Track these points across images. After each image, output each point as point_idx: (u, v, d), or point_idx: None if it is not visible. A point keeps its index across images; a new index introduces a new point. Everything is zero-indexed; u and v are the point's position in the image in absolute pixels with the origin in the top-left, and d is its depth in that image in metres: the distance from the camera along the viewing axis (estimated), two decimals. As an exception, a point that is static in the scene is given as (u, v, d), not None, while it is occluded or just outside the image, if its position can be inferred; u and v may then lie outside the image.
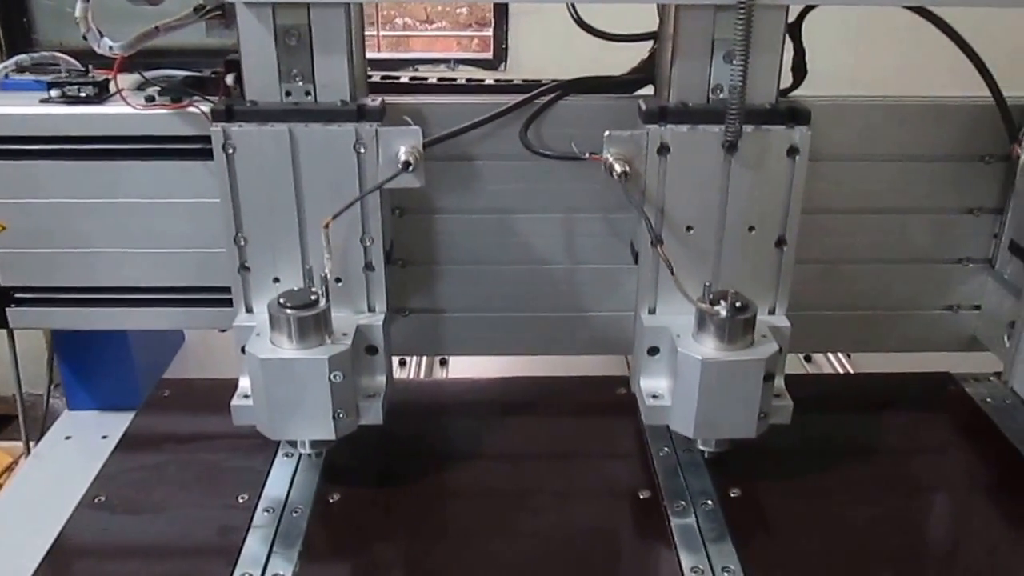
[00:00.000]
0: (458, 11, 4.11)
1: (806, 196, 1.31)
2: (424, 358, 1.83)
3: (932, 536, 1.31)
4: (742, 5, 1.14)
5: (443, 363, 1.84)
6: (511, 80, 1.43)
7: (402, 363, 1.81)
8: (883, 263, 1.50)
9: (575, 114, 1.37)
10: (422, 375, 1.80)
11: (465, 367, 1.80)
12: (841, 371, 1.82)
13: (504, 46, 3.39)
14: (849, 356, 1.85)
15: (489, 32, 3.55)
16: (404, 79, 1.44)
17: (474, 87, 1.45)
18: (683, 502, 1.32)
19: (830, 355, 1.86)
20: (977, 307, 1.53)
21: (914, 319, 1.54)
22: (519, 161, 1.38)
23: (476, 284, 1.48)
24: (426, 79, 1.45)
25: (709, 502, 1.32)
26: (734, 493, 1.34)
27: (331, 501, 1.32)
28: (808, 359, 1.86)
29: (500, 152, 1.39)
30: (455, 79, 1.45)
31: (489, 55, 3.50)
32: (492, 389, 1.66)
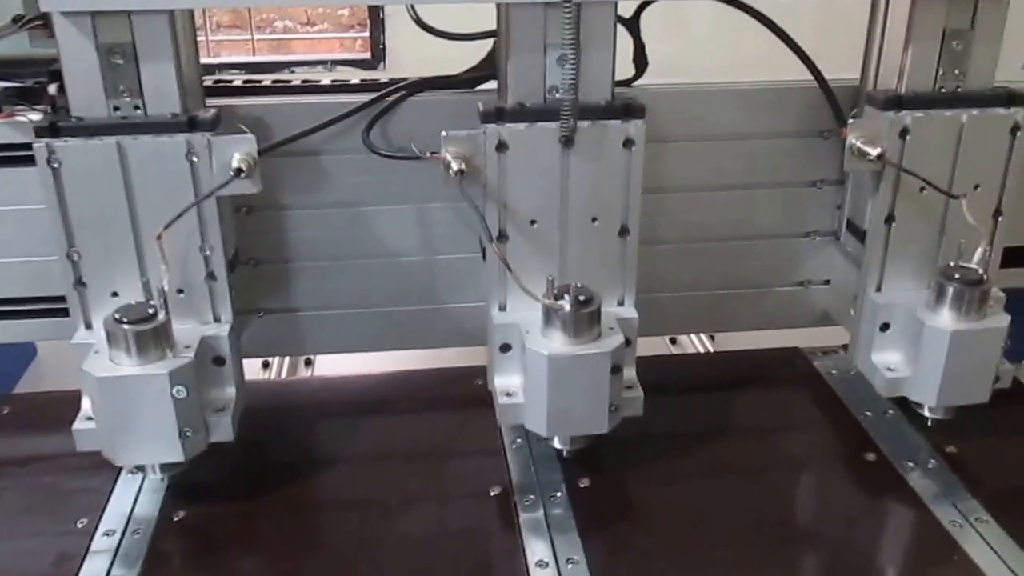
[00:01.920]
0: (339, 12, 4.07)
1: (657, 177, 1.36)
2: (287, 358, 1.81)
3: (773, 512, 1.33)
4: (567, 3, 1.15)
5: (308, 363, 1.82)
6: (347, 80, 1.42)
7: (265, 365, 1.78)
8: (736, 240, 1.55)
9: (420, 112, 1.37)
10: (284, 375, 1.77)
11: (331, 364, 1.77)
12: (703, 351, 1.86)
13: (381, 46, 3.37)
14: (712, 337, 1.89)
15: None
16: (237, 83, 1.41)
17: (312, 88, 1.43)
18: (532, 496, 1.32)
19: (693, 335, 1.90)
20: (827, 282, 1.58)
21: (769, 296, 1.59)
22: (367, 154, 1.37)
23: (331, 280, 1.48)
24: (260, 82, 1.43)
25: (558, 494, 1.32)
26: (583, 484, 1.35)
27: (176, 519, 1.28)
28: (673, 341, 1.89)
29: (347, 147, 1.38)
30: (290, 81, 1.43)
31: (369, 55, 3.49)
32: (348, 387, 1.64)
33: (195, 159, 1.22)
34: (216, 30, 4.07)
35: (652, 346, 1.67)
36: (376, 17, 3.36)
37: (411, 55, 3.35)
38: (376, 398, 1.58)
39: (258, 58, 3.60)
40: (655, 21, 2.99)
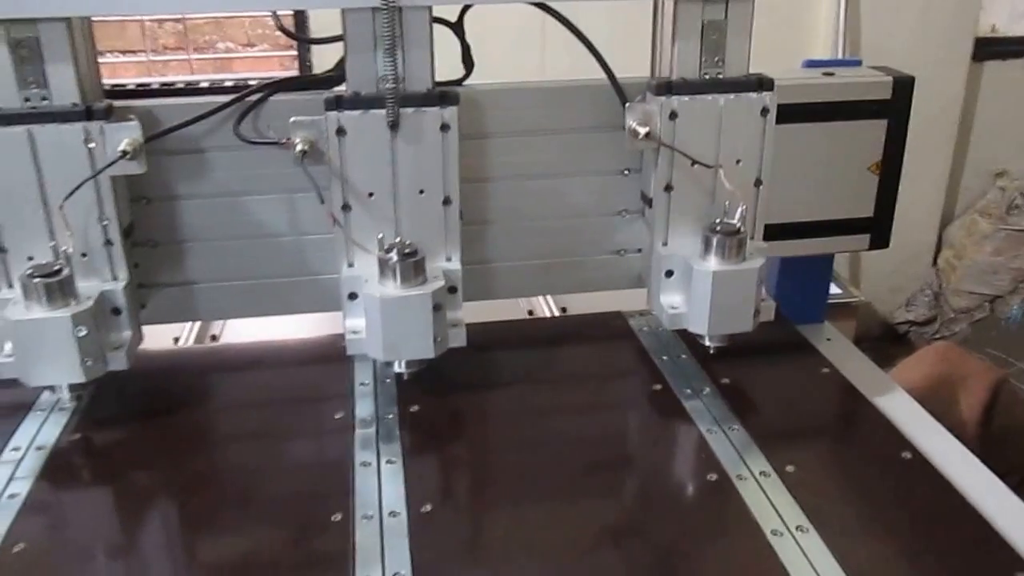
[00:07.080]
0: (276, 33, 4.39)
1: (484, 167, 1.64)
2: (194, 335, 2.09)
3: (572, 432, 1.64)
4: (384, 7, 1.44)
5: (214, 339, 2.10)
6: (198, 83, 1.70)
7: (175, 340, 2.05)
8: (558, 219, 1.80)
9: (286, 107, 1.61)
10: (191, 347, 2.07)
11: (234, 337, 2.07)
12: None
13: (308, 64, 3.66)
14: (564, 310, 2.20)
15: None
16: (131, 86, 1.70)
17: (196, 91, 1.71)
18: (367, 418, 1.63)
19: (546, 304, 2.21)
20: (639, 250, 1.85)
21: (590, 264, 1.85)
22: (241, 151, 1.63)
23: (218, 258, 1.73)
24: (150, 85, 1.71)
25: (390, 416, 1.63)
26: (413, 409, 1.65)
27: (72, 440, 1.59)
28: (531, 313, 2.20)
29: (224, 144, 1.63)
30: (174, 83, 1.72)
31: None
32: (229, 353, 1.97)
33: (92, 144, 1.48)
34: (163, 52, 4.39)
35: (513, 314, 2.05)
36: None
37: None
38: (253, 359, 1.89)
39: (198, 76, 3.90)
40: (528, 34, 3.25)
